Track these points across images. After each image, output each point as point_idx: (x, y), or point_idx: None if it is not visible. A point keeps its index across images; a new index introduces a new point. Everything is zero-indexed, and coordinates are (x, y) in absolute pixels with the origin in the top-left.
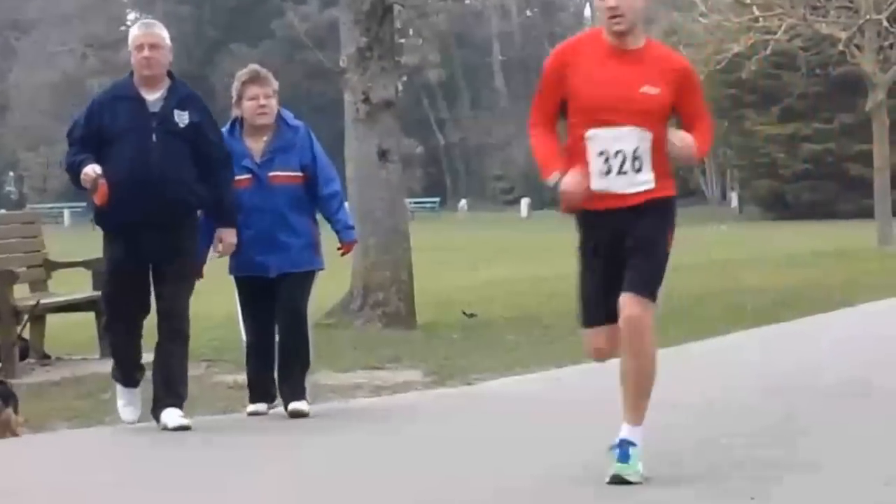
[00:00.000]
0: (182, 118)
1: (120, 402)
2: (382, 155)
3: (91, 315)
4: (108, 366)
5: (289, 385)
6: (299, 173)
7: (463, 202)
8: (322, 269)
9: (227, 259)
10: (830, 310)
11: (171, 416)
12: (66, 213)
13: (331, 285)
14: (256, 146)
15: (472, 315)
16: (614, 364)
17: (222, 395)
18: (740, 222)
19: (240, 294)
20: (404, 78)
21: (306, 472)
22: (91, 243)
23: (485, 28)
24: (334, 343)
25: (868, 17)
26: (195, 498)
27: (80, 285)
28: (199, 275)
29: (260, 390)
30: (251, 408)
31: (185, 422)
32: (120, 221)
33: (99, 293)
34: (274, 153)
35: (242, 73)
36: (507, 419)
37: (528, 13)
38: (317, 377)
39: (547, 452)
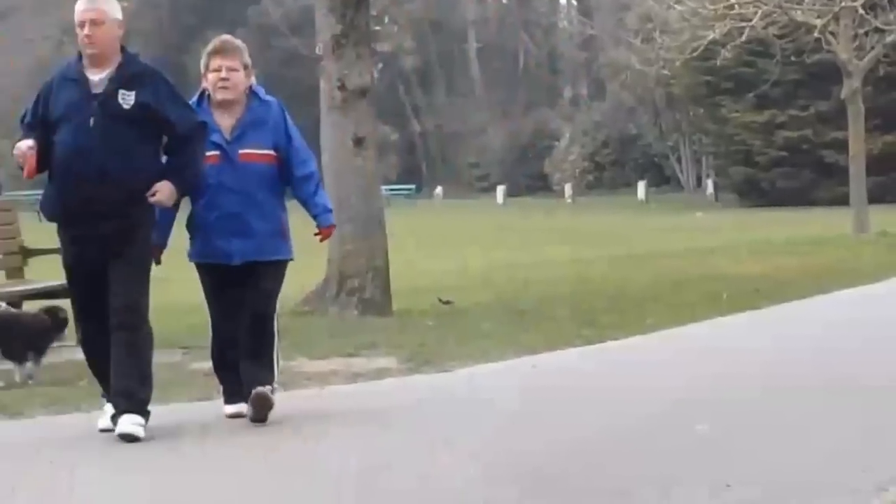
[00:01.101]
0: (127, 99)
1: (101, 421)
2: (358, 142)
3: (68, 302)
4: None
5: (253, 374)
6: (271, 152)
7: (439, 189)
8: (292, 260)
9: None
10: (806, 297)
11: (123, 422)
12: None
13: (307, 273)
14: (226, 122)
15: (447, 302)
16: (590, 351)
17: (199, 382)
18: (716, 210)
19: (203, 284)
20: (380, 65)
21: (282, 459)
22: None
23: (460, 15)
24: (310, 330)
25: (843, 4)
26: (171, 481)
27: (57, 272)
28: (157, 261)
29: (237, 388)
30: (230, 409)
31: (134, 430)
32: (58, 211)
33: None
34: (245, 129)
35: (210, 44)
36: (482, 406)
37: (504, 0)
38: (293, 364)
39: (523, 438)
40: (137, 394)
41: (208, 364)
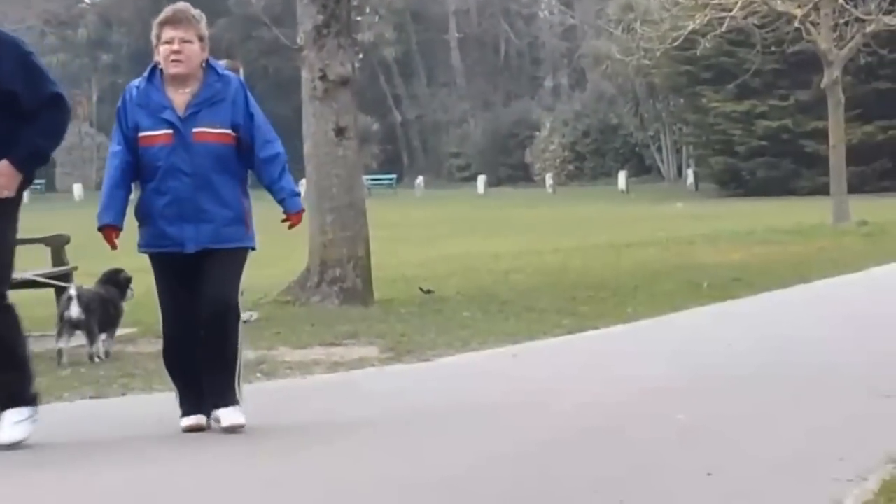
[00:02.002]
0: None
1: None
2: (339, 132)
3: (51, 292)
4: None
5: (215, 389)
6: (229, 131)
7: (419, 179)
8: (253, 249)
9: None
10: (786, 286)
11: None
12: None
13: (288, 262)
14: (180, 98)
15: (428, 291)
16: (571, 341)
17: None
18: (696, 199)
19: (155, 276)
20: (361, 55)
21: (264, 448)
22: (50, 220)
23: (441, 5)
24: (292, 319)
25: None
26: (150, 472)
27: (39, 262)
28: (112, 245)
29: (193, 398)
30: (187, 422)
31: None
32: None
33: (59, 269)
34: (200, 106)
35: (162, 13)
36: (463, 395)
37: None
38: (274, 353)
39: (503, 428)
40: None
41: None
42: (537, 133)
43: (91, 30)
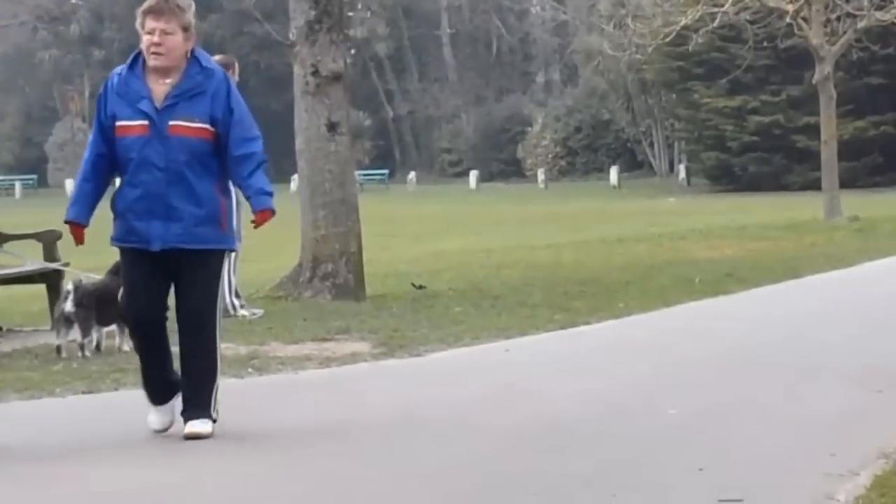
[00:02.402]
0: None
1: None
2: (331, 127)
3: (42, 287)
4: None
5: (189, 397)
6: (207, 126)
7: (411, 174)
8: (233, 251)
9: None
10: (778, 281)
11: None
12: (18, 185)
13: (280, 257)
14: (160, 88)
15: (421, 287)
16: (563, 336)
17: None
18: (688, 195)
19: (122, 270)
20: (353, 51)
21: (255, 443)
22: (42, 215)
23: (433, 1)
24: (284, 315)
25: None
26: (141, 467)
27: (32, 257)
28: (78, 240)
29: (162, 397)
30: (153, 420)
31: None
32: None
33: (51, 265)
34: (178, 98)
35: (146, 1)
36: (455, 390)
37: None
38: (266, 349)
39: (495, 422)
40: None
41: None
42: (529, 128)
43: (83, 25)
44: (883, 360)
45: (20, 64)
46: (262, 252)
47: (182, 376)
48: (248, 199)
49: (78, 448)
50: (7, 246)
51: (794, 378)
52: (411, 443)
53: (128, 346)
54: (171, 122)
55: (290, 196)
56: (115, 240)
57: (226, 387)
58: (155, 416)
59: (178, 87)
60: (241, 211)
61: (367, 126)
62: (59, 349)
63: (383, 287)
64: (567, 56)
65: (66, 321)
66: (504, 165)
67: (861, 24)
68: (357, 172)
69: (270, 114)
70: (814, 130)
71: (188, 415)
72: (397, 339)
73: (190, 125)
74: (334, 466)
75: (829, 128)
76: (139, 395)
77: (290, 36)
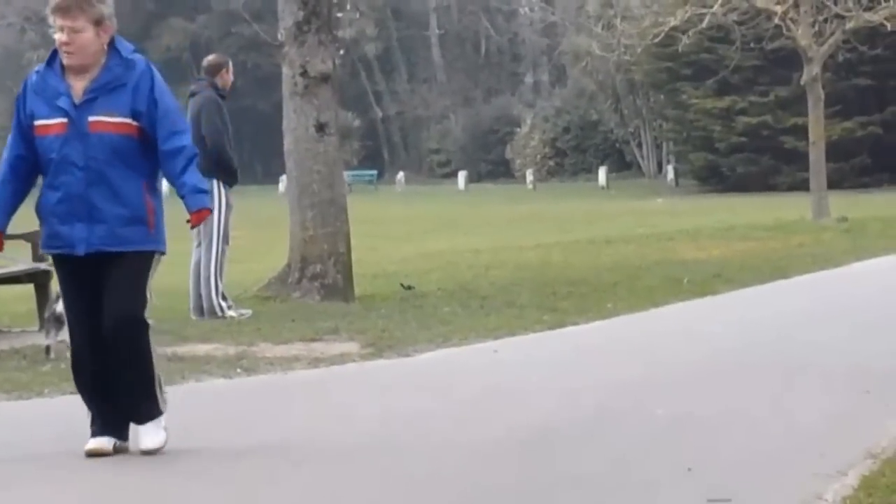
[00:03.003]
0: None
1: None
2: (320, 128)
3: (30, 287)
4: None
5: (129, 405)
6: (129, 121)
7: (400, 174)
8: (161, 253)
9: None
10: (766, 282)
11: None
12: None
13: (268, 258)
14: (79, 84)
15: (409, 287)
16: (551, 336)
17: (161, 366)
18: (676, 195)
19: (58, 278)
20: (342, 51)
21: (244, 445)
22: (30, 215)
23: (422, 2)
24: (272, 315)
25: None
26: (133, 466)
27: (20, 257)
28: None
29: (101, 418)
30: (90, 444)
31: None
32: None
33: (39, 265)
34: (97, 93)
35: None
36: (444, 390)
37: None
38: (255, 349)
39: (483, 423)
40: None
41: (171, 349)
42: (518, 129)
43: None
44: (871, 361)
45: (8, 65)
46: (250, 253)
47: (118, 388)
48: (182, 197)
49: (66, 449)
50: None
51: (783, 379)
52: (400, 444)
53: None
54: (91, 119)
55: (278, 197)
56: (43, 246)
57: (214, 387)
58: (96, 444)
59: (97, 81)
60: (230, 212)
61: (355, 127)
62: (48, 350)
63: (372, 287)
64: (556, 57)
65: (57, 321)
66: (493, 166)
67: (849, 25)
68: (346, 173)
69: (258, 114)
70: (802, 131)
71: (136, 426)
72: (386, 340)
73: (110, 120)
74: (322, 468)
75: (817, 128)
76: None
77: (279, 36)
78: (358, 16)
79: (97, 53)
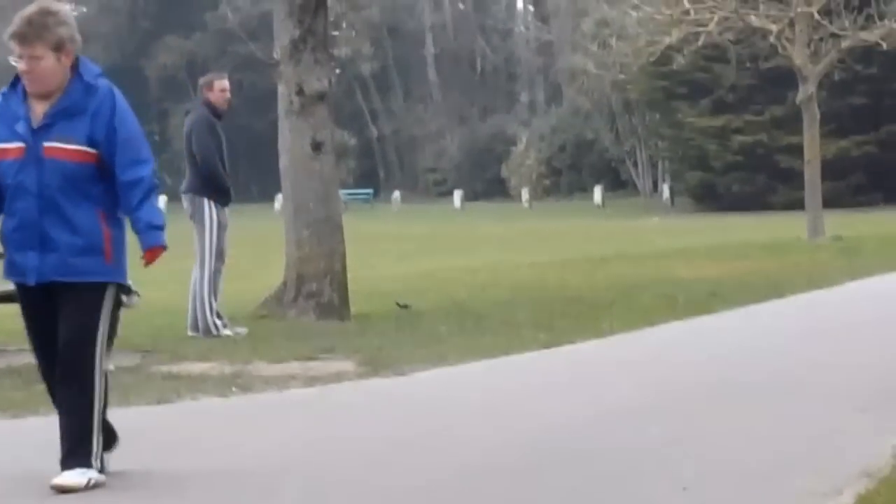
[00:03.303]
0: None
1: None
2: (316, 147)
3: None
4: None
5: (64, 440)
6: (86, 148)
7: (396, 193)
8: (120, 284)
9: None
10: (761, 301)
11: None
12: None
13: (264, 276)
14: (40, 108)
15: (405, 306)
16: (547, 355)
17: (157, 385)
18: (672, 214)
19: (21, 306)
20: (338, 70)
21: (241, 463)
22: None
23: (417, 20)
24: (268, 334)
25: (799, 9)
26: (131, 486)
27: None
28: None
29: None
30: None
31: None
32: None
33: None
34: (54, 118)
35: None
36: (439, 409)
37: (461, 5)
38: (250, 368)
39: (479, 442)
40: None
41: (167, 367)
42: (513, 148)
43: None
44: (866, 379)
45: (3, 82)
46: (246, 271)
47: (59, 420)
48: (136, 233)
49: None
50: None
51: (778, 397)
52: (395, 462)
53: (112, 365)
54: (46, 144)
55: (274, 215)
56: (4, 274)
57: (210, 406)
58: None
59: (55, 106)
60: (223, 231)
61: (351, 145)
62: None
63: (368, 306)
64: (551, 75)
65: None
66: (488, 185)
67: (844, 45)
68: (341, 192)
69: (254, 133)
70: (797, 150)
71: (63, 463)
72: (382, 359)
73: (66, 147)
74: (318, 487)
75: (813, 147)
76: (123, 413)
77: (275, 55)
78: (354, 34)
79: (59, 79)
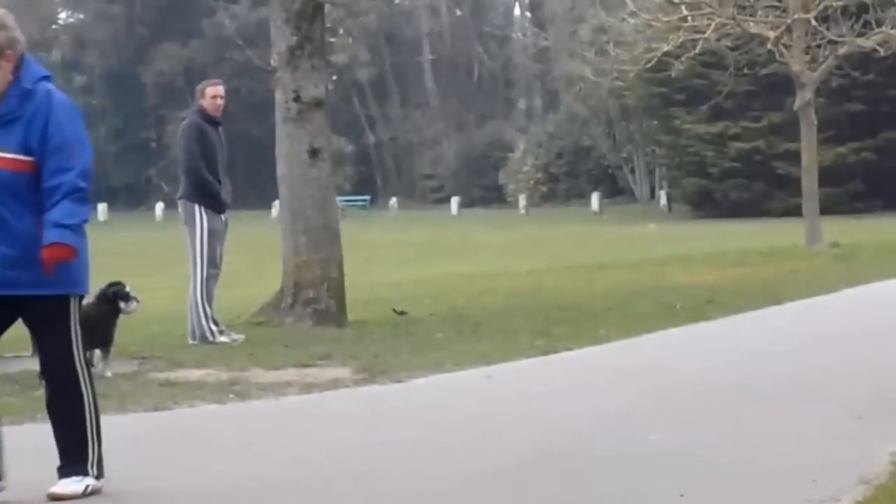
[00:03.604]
0: None
1: None
2: (313, 153)
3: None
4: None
5: (60, 452)
6: (20, 156)
7: (393, 200)
8: (80, 294)
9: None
10: (759, 308)
11: None
12: None
13: (261, 283)
14: None
15: (402, 313)
16: (544, 362)
17: (154, 392)
18: (669, 221)
19: None
20: (335, 77)
21: (237, 469)
22: None
23: (414, 27)
24: (265, 341)
25: (796, 16)
26: (124, 491)
27: None
28: None
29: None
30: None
31: None
32: None
33: None
34: None
35: None
36: (437, 417)
37: (458, 12)
38: (247, 375)
39: (476, 448)
40: None
41: (164, 374)
42: (510, 154)
43: (65, 51)
44: (864, 387)
45: None
46: (243, 278)
47: (53, 430)
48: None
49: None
50: None
51: (776, 404)
52: (392, 469)
53: (110, 372)
54: None
55: (271, 222)
56: None
57: (207, 413)
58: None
59: None
60: (214, 238)
61: (348, 152)
62: (40, 374)
63: (365, 313)
64: (548, 82)
65: None
66: (485, 191)
67: (842, 51)
68: (338, 198)
69: (251, 140)
70: (794, 156)
71: (60, 471)
72: (379, 365)
73: (2, 156)
74: (313, 495)
75: (810, 154)
76: (122, 420)
77: (272, 62)
78: (351, 41)
79: (1, 84)
